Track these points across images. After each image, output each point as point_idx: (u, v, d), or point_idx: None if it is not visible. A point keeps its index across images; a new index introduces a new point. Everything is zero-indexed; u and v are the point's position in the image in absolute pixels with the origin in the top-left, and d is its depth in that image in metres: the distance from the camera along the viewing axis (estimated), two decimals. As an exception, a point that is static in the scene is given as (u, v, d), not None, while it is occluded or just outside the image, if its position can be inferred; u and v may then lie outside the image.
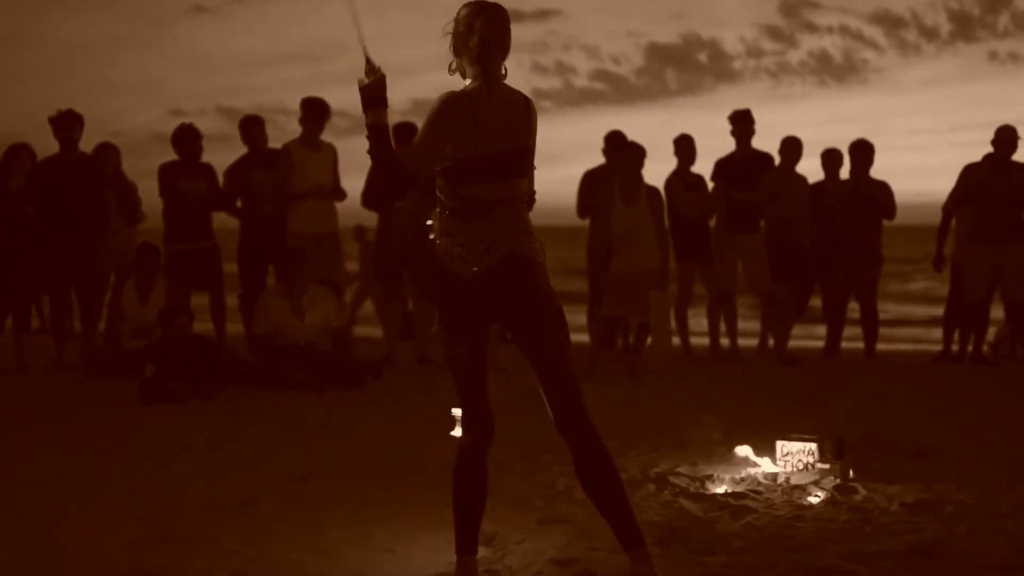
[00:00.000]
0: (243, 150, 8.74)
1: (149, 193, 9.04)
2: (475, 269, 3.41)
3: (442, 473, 5.08)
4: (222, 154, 9.10)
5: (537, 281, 3.46)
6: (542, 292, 3.47)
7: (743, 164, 8.94)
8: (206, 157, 8.79)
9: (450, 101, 3.38)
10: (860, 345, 9.37)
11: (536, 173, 3.63)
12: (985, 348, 8.95)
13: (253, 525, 4.32)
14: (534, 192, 3.63)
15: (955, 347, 8.92)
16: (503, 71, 3.48)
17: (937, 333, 9.63)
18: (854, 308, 9.24)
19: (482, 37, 3.40)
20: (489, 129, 3.39)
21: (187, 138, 8.62)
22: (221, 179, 8.72)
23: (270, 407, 6.88)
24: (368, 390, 7.48)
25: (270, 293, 7.98)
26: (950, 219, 8.85)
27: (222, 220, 8.88)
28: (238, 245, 8.69)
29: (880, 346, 9.53)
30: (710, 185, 9.09)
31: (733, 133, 9.01)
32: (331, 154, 8.52)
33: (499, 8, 3.46)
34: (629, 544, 3.43)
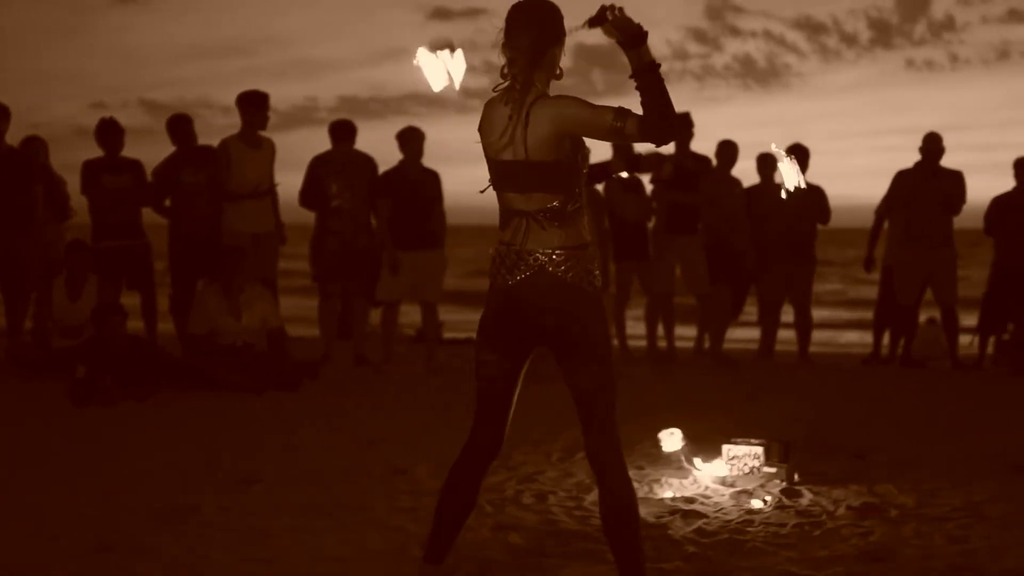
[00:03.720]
0: (167, 146, 8.52)
1: (73, 188, 8.81)
2: (502, 281, 3.28)
3: (388, 477, 5.05)
4: (145, 148, 8.89)
5: (570, 306, 3.21)
6: (578, 320, 3.21)
7: (682, 167, 8.97)
8: (129, 151, 8.60)
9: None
10: (792, 347, 9.49)
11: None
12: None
13: (197, 533, 4.20)
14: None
15: (884, 350, 9.09)
16: (534, 75, 3.23)
17: (850, 336, 9.80)
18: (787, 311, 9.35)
19: (502, 45, 3.28)
20: (490, 135, 3.29)
21: (109, 132, 8.43)
22: (150, 177, 8.52)
23: (207, 409, 6.74)
24: (306, 391, 7.36)
25: (207, 292, 7.81)
26: (882, 222, 9.02)
27: (152, 217, 8.68)
28: (168, 244, 8.50)
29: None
30: (648, 187, 9.12)
31: (672, 136, 9.02)
32: (270, 150, 8.36)
33: (523, 10, 3.25)
34: None
